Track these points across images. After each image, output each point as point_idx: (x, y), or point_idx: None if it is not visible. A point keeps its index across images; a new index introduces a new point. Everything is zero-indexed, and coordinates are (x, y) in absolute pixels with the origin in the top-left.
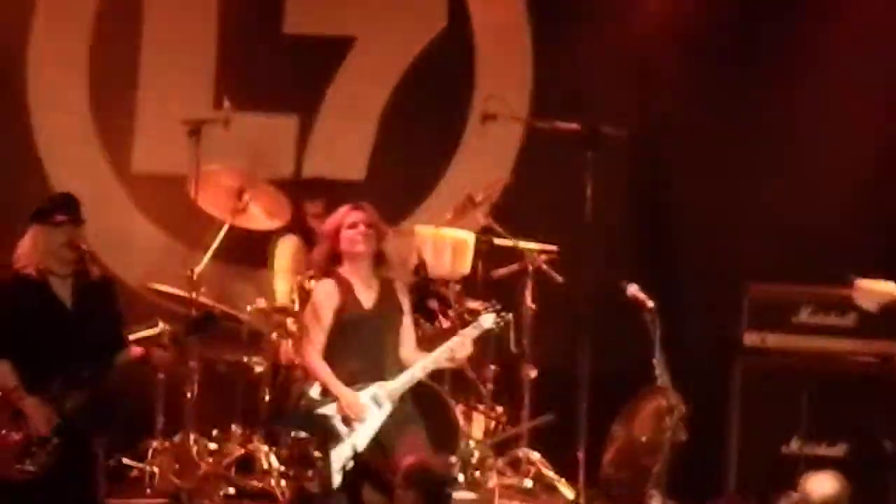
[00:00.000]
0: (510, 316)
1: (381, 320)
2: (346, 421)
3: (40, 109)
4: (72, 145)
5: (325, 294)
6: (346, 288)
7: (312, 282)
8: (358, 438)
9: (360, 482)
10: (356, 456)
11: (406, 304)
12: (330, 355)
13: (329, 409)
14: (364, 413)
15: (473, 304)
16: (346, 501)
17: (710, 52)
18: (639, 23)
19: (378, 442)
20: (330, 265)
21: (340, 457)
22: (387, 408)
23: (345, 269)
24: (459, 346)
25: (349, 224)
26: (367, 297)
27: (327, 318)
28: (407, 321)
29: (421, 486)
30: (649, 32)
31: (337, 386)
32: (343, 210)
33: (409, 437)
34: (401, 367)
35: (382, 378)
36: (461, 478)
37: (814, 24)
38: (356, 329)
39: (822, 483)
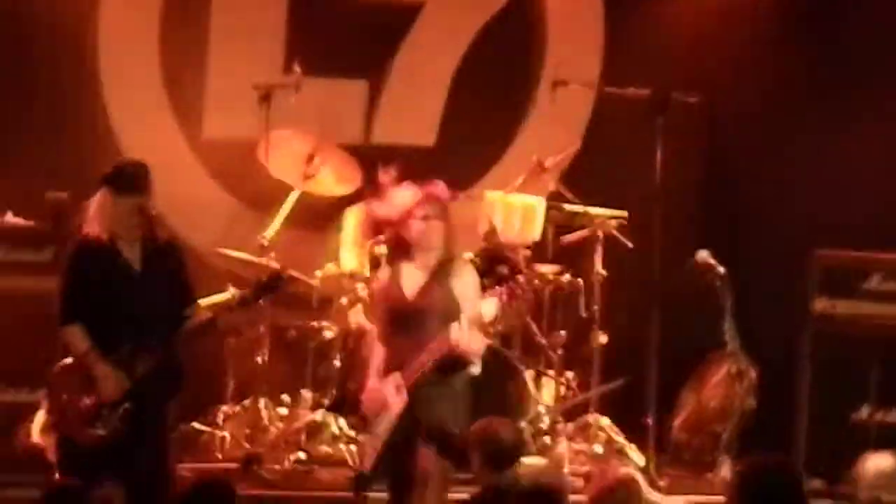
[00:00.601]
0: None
1: (420, 309)
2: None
3: (112, 77)
4: (143, 112)
5: (378, 284)
6: (394, 276)
7: (382, 247)
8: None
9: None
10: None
11: (467, 285)
12: (383, 341)
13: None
14: (385, 401)
15: (543, 269)
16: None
17: (785, 18)
18: None
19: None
20: (395, 251)
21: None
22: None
23: (404, 256)
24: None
25: (421, 216)
26: (412, 284)
27: (379, 307)
28: (465, 301)
29: (488, 448)
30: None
31: (369, 377)
32: (415, 196)
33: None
34: None
35: None
36: (531, 443)
37: None
38: (397, 319)
39: (878, 460)
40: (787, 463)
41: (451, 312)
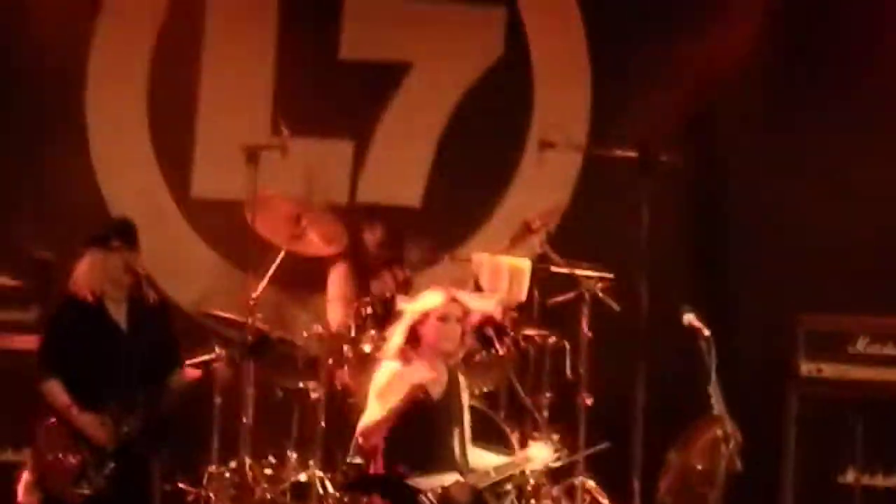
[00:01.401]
0: (565, 454)
1: (448, 411)
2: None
3: (100, 134)
4: (131, 170)
5: (395, 379)
6: (417, 376)
7: (369, 309)
8: None
9: None
10: None
11: (466, 397)
12: (397, 443)
13: (421, 483)
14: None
15: (530, 332)
16: None
17: (770, 83)
18: (699, 50)
19: None
20: (406, 347)
21: None
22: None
23: (414, 353)
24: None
25: (441, 316)
26: (435, 386)
27: (393, 402)
28: (467, 415)
29: None
30: (709, 60)
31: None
32: (439, 298)
33: None
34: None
35: (457, 468)
36: None
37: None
38: (425, 419)
39: None
40: None
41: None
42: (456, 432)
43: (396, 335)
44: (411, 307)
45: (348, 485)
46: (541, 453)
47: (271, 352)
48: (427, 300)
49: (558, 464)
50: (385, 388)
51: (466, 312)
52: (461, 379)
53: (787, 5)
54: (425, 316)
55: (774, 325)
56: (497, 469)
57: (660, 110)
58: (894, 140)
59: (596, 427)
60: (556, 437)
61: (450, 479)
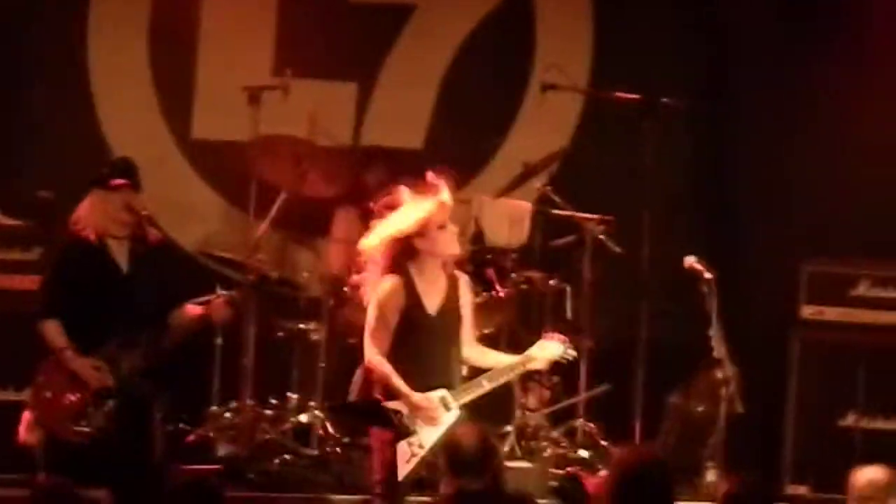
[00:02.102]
0: (574, 353)
1: (446, 324)
2: (418, 421)
3: (101, 78)
4: (132, 113)
5: (393, 294)
6: (412, 290)
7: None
8: (424, 438)
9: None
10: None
11: (468, 300)
12: (395, 358)
13: (399, 405)
14: (438, 416)
15: (530, 274)
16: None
17: (778, 26)
18: None
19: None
20: (402, 261)
21: (405, 452)
22: (454, 413)
23: (413, 267)
24: (521, 367)
25: (440, 224)
26: (433, 299)
27: (393, 319)
28: (467, 318)
29: (449, 455)
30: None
31: (405, 389)
32: (432, 205)
33: None
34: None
35: (449, 383)
36: (513, 449)
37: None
38: (421, 334)
39: (870, 471)
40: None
41: (462, 329)
42: (453, 345)
43: (393, 247)
44: (402, 221)
45: (328, 410)
46: (544, 352)
47: (272, 292)
48: (418, 210)
49: (568, 357)
50: (382, 305)
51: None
52: (462, 283)
53: None
54: (424, 227)
55: (777, 268)
56: (490, 377)
57: (664, 52)
58: None
59: (597, 370)
60: (556, 379)
61: (437, 395)
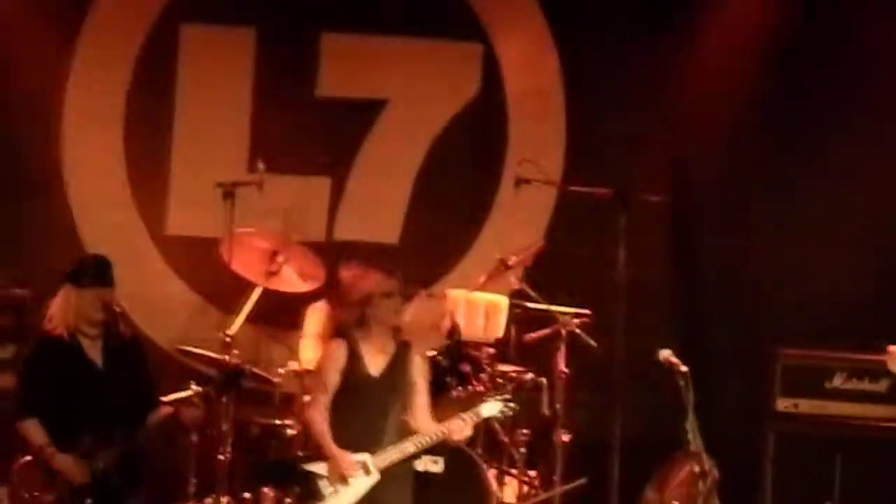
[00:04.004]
0: (516, 408)
1: (388, 388)
2: (333, 481)
3: (75, 172)
4: (107, 207)
5: (334, 355)
6: (355, 352)
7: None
8: (340, 501)
9: None
10: None
11: (420, 373)
12: (332, 418)
13: (316, 468)
14: (352, 475)
15: (506, 368)
16: None
17: (746, 121)
18: (673, 89)
19: None
20: (347, 327)
21: None
22: (374, 477)
23: (360, 333)
24: (458, 429)
25: (385, 293)
26: (376, 363)
27: (333, 379)
28: (419, 391)
29: None
30: (684, 99)
31: (329, 444)
32: (377, 277)
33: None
34: (404, 437)
35: (381, 446)
36: None
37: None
38: (361, 395)
39: None
40: None
41: (406, 396)
42: (392, 410)
43: (346, 315)
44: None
45: (245, 472)
46: (471, 416)
47: (245, 383)
48: (366, 282)
49: (506, 412)
50: (325, 365)
51: (404, 284)
52: (415, 355)
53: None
54: (369, 297)
55: (751, 360)
56: (416, 441)
57: (636, 147)
58: (872, 181)
59: (573, 464)
60: (532, 473)
61: (359, 457)
